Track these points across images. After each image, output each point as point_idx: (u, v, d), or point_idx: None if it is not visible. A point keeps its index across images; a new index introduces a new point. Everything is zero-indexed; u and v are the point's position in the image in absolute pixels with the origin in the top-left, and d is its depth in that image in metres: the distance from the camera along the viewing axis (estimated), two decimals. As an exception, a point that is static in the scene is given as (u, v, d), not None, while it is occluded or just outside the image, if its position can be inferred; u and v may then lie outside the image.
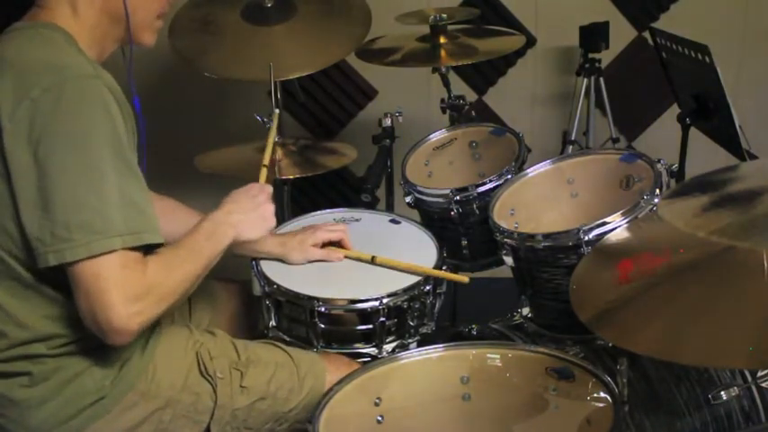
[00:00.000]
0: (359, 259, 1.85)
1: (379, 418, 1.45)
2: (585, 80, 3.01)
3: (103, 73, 1.44)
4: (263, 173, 1.78)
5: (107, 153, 1.37)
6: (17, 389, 1.47)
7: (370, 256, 1.82)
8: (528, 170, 2.01)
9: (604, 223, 1.68)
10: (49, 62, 1.40)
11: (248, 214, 1.63)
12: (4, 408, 1.48)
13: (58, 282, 1.40)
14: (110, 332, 1.37)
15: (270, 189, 1.70)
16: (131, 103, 1.51)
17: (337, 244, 1.87)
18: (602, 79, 3.02)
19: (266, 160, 1.81)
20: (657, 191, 1.73)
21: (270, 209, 1.67)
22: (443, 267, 1.82)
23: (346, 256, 1.86)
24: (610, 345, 1.67)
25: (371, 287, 1.72)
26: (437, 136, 2.31)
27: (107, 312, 1.35)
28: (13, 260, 1.42)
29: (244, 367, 1.64)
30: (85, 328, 1.41)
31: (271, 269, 1.81)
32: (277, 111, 1.96)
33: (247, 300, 1.94)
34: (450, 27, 2.50)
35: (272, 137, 1.92)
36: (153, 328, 1.59)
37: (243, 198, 1.65)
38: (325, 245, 1.85)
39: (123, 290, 1.35)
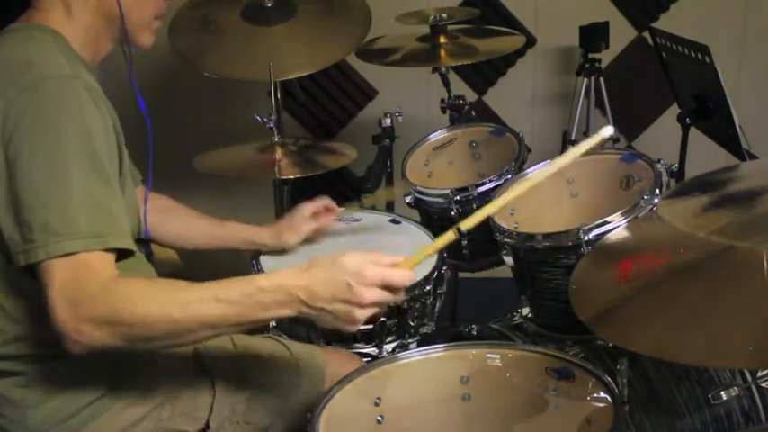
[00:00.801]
0: (350, 208, 1.95)
1: (379, 418, 1.45)
2: (585, 80, 3.01)
3: (84, 73, 1.41)
4: (420, 256, 1.38)
5: (76, 154, 1.32)
6: (15, 389, 1.46)
7: (358, 205, 1.93)
8: (528, 170, 2.01)
9: (604, 223, 1.68)
10: (28, 63, 1.38)
11: (336, 307, 1.28)
12: (3, 407, 1.48)
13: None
14: (64, 338, 1.29)
15: (406, 281, 1.32)
16: (134, 101, 1.50)
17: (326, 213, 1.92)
18: (602, 79, 3.02)
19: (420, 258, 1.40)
20: (657, 191, 1.73)
21: (363, 314, 1.30)
22: (444, 269, 1.82)
23: (338, 217, 1.93)
24: (610, 345, 1.67)
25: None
26: (437, 136, 2.31)
27: (53, 314, 1.28)
28: (2, 257, 1.41)
29: (242, 361, 1.64)
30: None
31: (271, 268, 1.81)
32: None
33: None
34: (450, 27, 2.50)
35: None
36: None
37: (342, 278, 1.27)
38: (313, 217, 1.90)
39: (71, 298, 1.27)
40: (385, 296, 1.29)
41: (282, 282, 1.29)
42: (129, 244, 1.37)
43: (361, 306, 1.28)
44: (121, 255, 1.37)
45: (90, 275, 1.29)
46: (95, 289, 1.29)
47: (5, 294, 1.44)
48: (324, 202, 1.93)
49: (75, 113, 1.34)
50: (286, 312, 1.28)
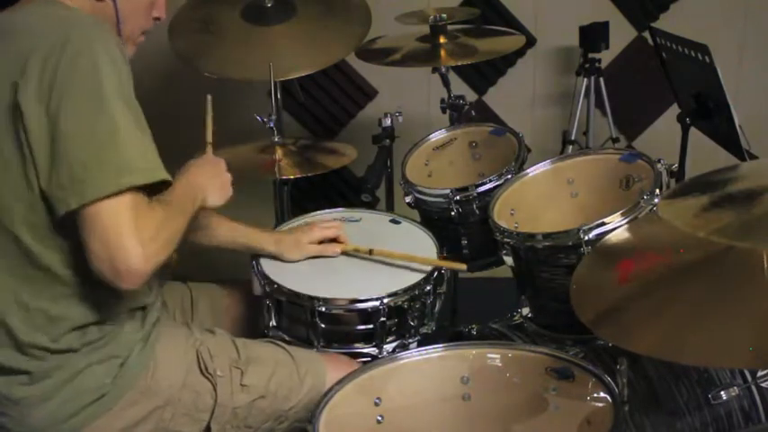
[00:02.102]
0: (356, 251, 1.86)
1: (379, 418, 1.45)
2: (585, 80, 3.01)
3: (109, 29, 1.48)
4: (209, 149, 1.77)
5: (115, 93, 1.38)
6: (17, 387, 1.47)
7: (368, 249, 1.84)
8: (528, 170, 2.01)
9: (604, 223, 1.68)
10: (54, 19, 1.43)
11: (212, 180, 1.64)
12: (4, 406, 1.48)
13: (67, 259, 1.42)
14: (127, 274, 1.37)
15: (224, 162, 1.71)
16: None
17: (333, 240, 1.88)
18: (602, 79, 3.02)
19: (210, 138, 1.81)
20: (657, 191, 1.73)
21: (228, 178, 1.69)
22: (444, 269, 1.82)
23: (344, 252, 1.87)
24: (610, 345, 1.67)
25: (372, 287, 1.72)
26: (437, 136, 2.31)
27: (126, 255, 1.35)
28: (27, 236, 1.42)
29: (244, 366, 1.64)
30: (87, 310, 1.42)
31: (271, 268, 1.81)
32: (209, 97, 1.93)
33: (248, 300, 1.94)
34: (450, 27, 2.50)
35: (210, 114, 1.89)
36: (153, 326, 1.59)
37: (206, 167, 1.66)
38: (321, 242, 1.86)
39: (139, 231, 1.37)
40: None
41: (185, 181, 1.58)
42: (167, 175, 1.46)
43: (222, 170, 1.67)
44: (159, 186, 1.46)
45: (144, 209, 1.40)
46: (152, 219, 1.41)
47: (15, 277, 1.44)
48: (334, 231, 1.89)
49: (107, 55, 1.39)
50: (199, 195, 1.59)
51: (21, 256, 1.44)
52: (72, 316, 1.47)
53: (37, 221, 1.41)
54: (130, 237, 1.35)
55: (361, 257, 1.87)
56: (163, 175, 1.44)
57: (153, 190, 1.45)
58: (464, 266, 1.82)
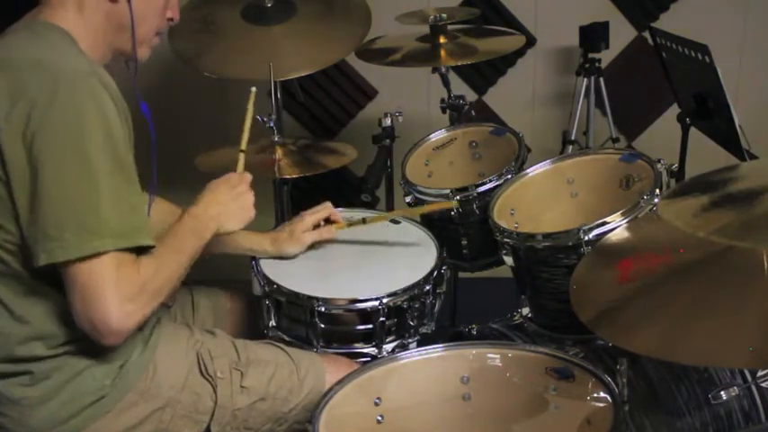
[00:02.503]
0: (351, 225, 1.90)
1: (379, 418, 1.45)
2: (585, 80, 3.01)
3: (99, 69, 1.44)
4: (242, 160, 1.72)
5: (101, 152, 1.36)
6: (17, 388, 1.47)
7: (361, 219, 1.89)
8: (528, 170, 2.01)
9: (604, 223, 1.68)
10: (43, 61, 1.39)
11: (228, 206, 1.60)
12: (4, 407, 1.48)
13: (57, 280, 1.40)
14: (105, 333, 1.38)
15: (249, 177, 1.67)
16: (136, 107, 1.51)
17: (328, 222, 1.90)
18: (602, 79, 3.02)
19: (243, 145, 1.75)
20: (657, 191, 1.73)
21: (250, 199, 1.64)
22: (443, 267, 1.82)
23: (338, 229, 1.90)
24: (610, 345, 1.67)
25: (371, 287, 1.72)
26: (437, 136, 2.31)
27: (103, 313, 1.35)
28: (12, 258, 1.42)
29: (244, 367, 1.64)
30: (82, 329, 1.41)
31: (270, 269, 1.81)
32: (254, 89, 1.84)
33: (248, 300, 1.94)
34: (450, 27, 2.50)
35: (249, 119, 1.80)
36: (153, 328, 1.59)
37: (221, 189, 1.62)
38: (315, 227, 1.88)
39: (118, 290, 1.36)
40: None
41: (192, 215, 1.56)
42: (151, 241, 1.44)
43: (244, 191, 1.63)
44: (143, 249, 1.43)
45: (127, 267, 1.38)
46: (134, 277, 1.38)
47: (12, 294, 1.44)
48: (325, 212, 1.90)
49: (95, 111, 1.37)
50: (211, 226, 1.57)
51: (11, 275, 1.44)
52: (66, 331, 1.47)
53: (23, 252, 1.40)
54: (109, 297, 1.35)
55: (358, 252, 1.89)
56: (143, 240, 1.41)
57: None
58: (451, 204, 1.88)
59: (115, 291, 1.36)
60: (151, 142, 1.55)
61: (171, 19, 1.63)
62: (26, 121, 1.34)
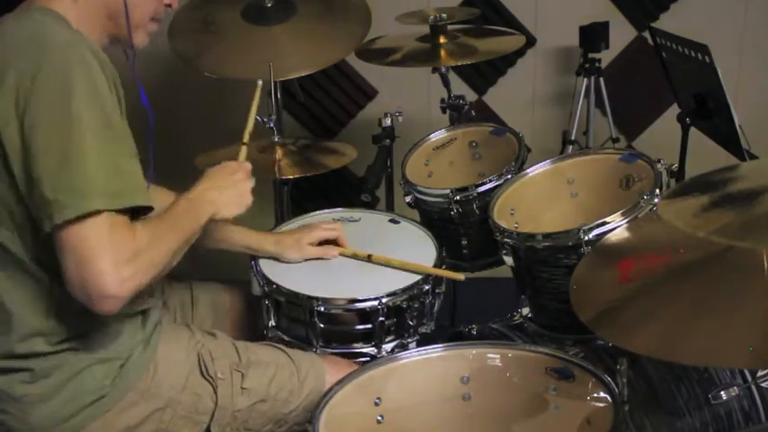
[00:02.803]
0: (354, 256, 1.85)
1: (379, 418, 1.45)
2: (585, 80, 3.01)
3: (86, 39, 1.43)
4: (243, 151, 1.72)
5: (88, 115, 1.35)
6: (18, 385, 1.47)
7: (366, 255, 1.83)
8: (528, 170, 2.01)
9: (604, 223, 1.68)
10: (32, 36, 1.40)
11: (225, 191, 1.59)
12: (4, 404, 1.48)
13: (58, 267, 1.40)
14: (100, 298, 1.34)
15: (248, 166, 1.66)
16: (136, 97, 1.51)
17: (334, 242, 1.87)
18: (602, 79, 3.02)
19: (246, 138, 1.75)
20: (657, 191, 1.73)
21: (247, 186, 1.63)
22: (443, 266, 1.82)
23: (342, 254, 1.86)
24: (610, 345, 1.67)
25: (371, 287, 1.72)
26: (437, 136, 2.31)
27: (98, 278, 1.32)
28: (14, 245, 1.42)
29: (244, 369, 1.64)
30: (86, 323, 1.41)
31: (270, 269, 1.81)
32: (260, 83, 1.85)
33: (247, 300, 1.94)
34: (450, 27, 2.50)
35: (254, 112, 1.81)
36: (154, 327, 1.59)
37: (219, 175, 1.61)
38: (321, 243, 1.86)
39: (114, 254, 1.33)
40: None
41: (188, 196, 1.55)
42: (146, 201, 1.41)
43: (242, 178, 1.61)
44: (137, 213, 1.41)
45: (121, 231, 1.36)
46: (129, 241, 1.36)
47: (12, 287, 1.44)
48: (335, 233, 1.88)
49: (83, 76, 1.36)
50: (208, 210, 1.55)
51: (14, 265, 1.44)
52: (67, 328, 1.47)
53: (25, 234, 1.41)
54: (103, 259, 1.32)
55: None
56: (138, 200, 1.39)
57: (145, 210, 1.43)
58: (461, 277, 1.81)
59: (109, 252, 1.33)
60: (149, 131, 1.55)
61: (169, 5, 1.62)
62: (16, 92, 1.35)
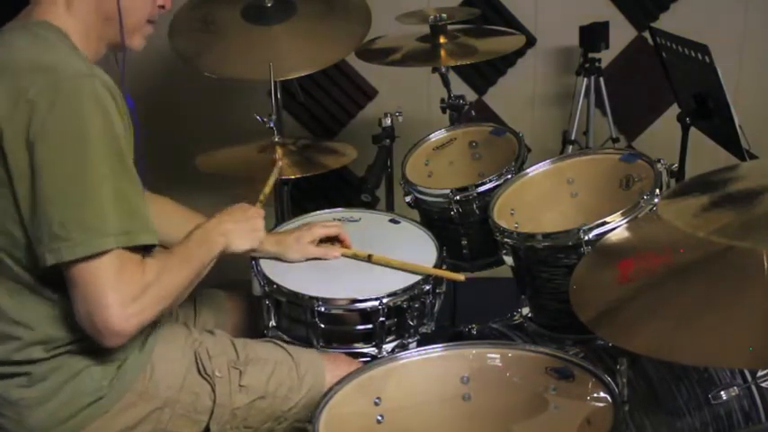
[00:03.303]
0: (355, 256, 1.85)
1: (379, 418, 1.45)
2: (585, 80, 3.01)
3: (98, 70, 1.44)
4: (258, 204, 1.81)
5: (103, 152, 1.37)
6: (15, 389, 1.47)
7: (367, 255, 1.83)
8: (528, 170, 2.01)
9: (604, 223, 1.68)
10: (42, 62, 1.39)
11: (239, 224, 1.64)
12: (2, 408, 1.48)
13: (58, 283, 1.40)
14: (106, 334, 1.38)
15: (263, 212, 1.73)
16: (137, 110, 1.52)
17: (335, 240, 1.87)
18: (602, 79, 3.02)
19: (262, 197, 1.85)
20: (657, 191, 1.73)
21: (261, 223, 1.69)
22: (443, 267, 1.82)
23: (343, 254, 1.86)
24: (610, 345, 1.67)
25: (371, 287, 1.72)
26: (437, 136, 2.31)
27: (104, 314, 1.35)
28: (14, 262, 1.42)
29: (243, 366, 1.64)
30: (84, 330, 1.41)
31: (270, 269, 1.81)
32: (279, 164, 2.05)
33: (248, 300, 1.94)
34: (450, 27, 2.50)
35: (274, 178, 1.96)
36: (152, 328, 1.59)
37: (235, 210, 1.68)
38: (322, 241, 1.86)
39: (120, 291, 1.36)
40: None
41: (203, 228, 1.59)
42: (154, 239, 1.44)
43: (256, 215, 1.68)
44: (145, 248, 1.43)
45: (130, 268, 1.39)
46: (137, 279, 1.39)
47: (10, 299, 1.44)
48: (336, 230, 1.88)
49: (96, 112, 1.37)
50: (221, 242, 1.59)
51: (12, 278, 1.44)
52: (66, 335, 1.47)
53: (26, 255, 1.41)
54: (110, 297, 1.35)
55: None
56: (146, 238, 1.42)
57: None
58: (461, 278, 1.81)
59: (117, 291, 1.36)
60: (135, 138, 1.55)
61: (162, 6, 1.61)
62: (27, 124, 1.35)
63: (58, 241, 1.34)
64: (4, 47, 1.44)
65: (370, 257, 1.82)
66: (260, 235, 1.69)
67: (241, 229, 1.64)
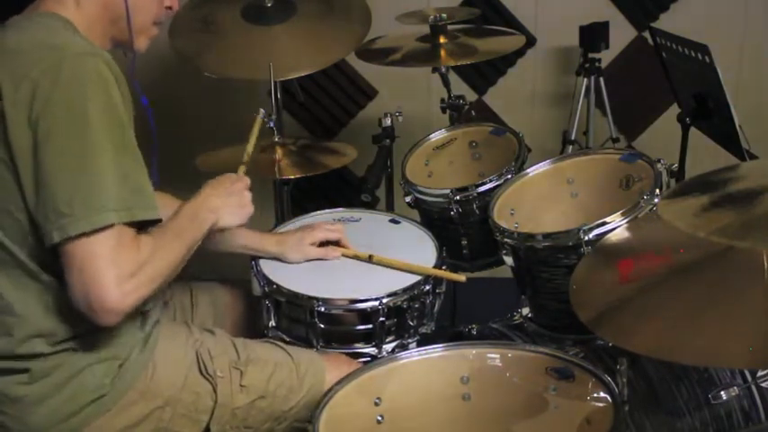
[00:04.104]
0: (356, 257, 1.85)
1: (379, 418, 1.45)
2: (585, 80, 3.01)
3: (101, 51, 1.44)
4: (242, 169, 1.76)
5: (104, 128, 1.37)
6: (16, 386, 1.47)
7: (368, 255, 1.83)
8: (528, 170, 2.01)
9: (604, 223, 1.68)
10: (46, 43, 1.41)
11: (227, 199, 1.62)
12: (3, 405, 1.48)
13: (61, 271, 1.40)
14: (101, 311, 1.37)
15: (248, 181, 1.69)
16: (135, 99, 1.52)
17: (335, 243, 1.87)
18: (602, 79, 3.02)
19: (246, 158, 1.79)
20: (657, 191, 1.73)
21: (248, 196, 1.66)
22: (443, 267, 1.82)
23: (344, 255, 1.86)
24: (610, 345, 1.67)
25: (371, 287, 1.72)
26: (437, 136, 2.31)
27: (101, 291, 1.35)
28: (18, 248, 1.42)
29: (243, 366, 1.64)
30: (85, 324, 1.41)
31: (270, 269, 1.81)
32: (261, 113, 1.90)
33: (248, 300, 1.94)
34: (450, 27, 2.50)
35: (255, 135, 1.86)
36: (153, 327, 1.59)
37: (221, 184, 1.64)
38: (322, 244, 1.86)
39: (117, 268, 1.36)
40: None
41: (191, 204, 1.58)
42: (156, 215, 1.44)
43: (242, 188, 1.64)
44: (141, 225, 1.43)
45: (127, 245, 1.38)
46: (133, 256, 1.39)
47: (13, 288, 1.45)
48: (338, 235, 1.88)
49: (99, 90, 1.38)
50: (210, 218, 1.58)
51: (16, 267, 1.44)
52: (67, 328, 1.47)
53: (28, 237, 1.41)
54: (107, 273, 1.35)
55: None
56: (149, 214, 1.42)
57: (152, 222, 1.45)
58: (462, 278, 1.81)
59: (113, 266, 1.36)
60: (152, 134, 1.56)
61: (170, 8, 1.63)
62: (30, 103, 1.35)
63: (62, 217, 1.34)
64: (10, 34, 1.46)
65: (371, 258, 1.82)
66: (248, 210, 1.65)
67: (229, 205, 1.62)
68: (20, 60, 1.39)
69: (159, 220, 1.46)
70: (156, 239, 1.45)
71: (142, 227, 1.44)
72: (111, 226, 1.36)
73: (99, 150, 1.36)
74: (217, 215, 1.59)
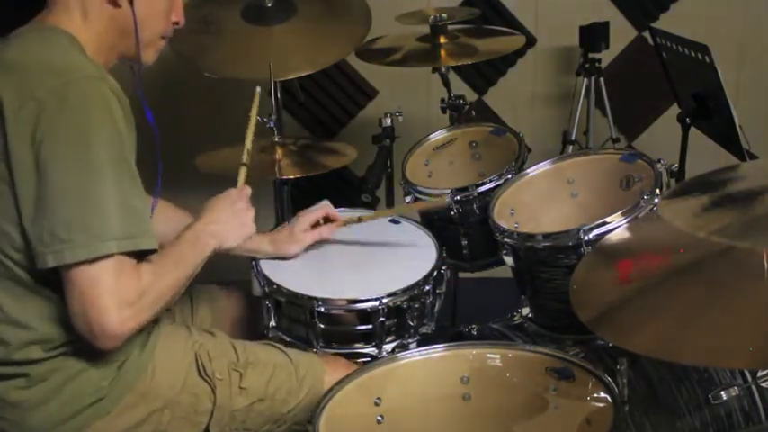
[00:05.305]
0: (349, 221, 1.90)
1: (379, 418, 1.45)
2: (585, 80, 3.01)
3: (107, 76, 1.45)
4: (242, 174, 1.73)
5: (108, 155, 1.37)
6: (15, 391, 1.46)
7: (357, 217, 1.89)
8: (528, 170, 2.01)
9: (604, 223, 1.68)
10: (52, 63, 1.40)
11: (227, 224, 1.61)
12: (3, 410, 1.48)
13: (57, 283, 1.40)
14: (101, 336, 1.38)
15: (248, 191, 1.68)
16: (140, 111, 1.52)
17: (325, 221, 1.89)
18: (602, 79, 3.02)
19: (245, 158, 1.75)
20: (657, 191, 1.73)
21: (249, 215, 1.65)
22: (443, 267, 1.82)
23: (336, 227, 1.89)
24: (610, 345, 1.67)
25: (371, 287, 1.72)
26: (437, 136, 2.31)
27: (100, 317, 1.35)
28: (12, 262, 1.42)
29: (243, 368, 1.64)
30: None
31: (270, 269, 1.81)
32: (258, 90, 1.85)
33: (248, 301, 1.94)
34: (450, 27, 2.50)
35: (253, 126, 1.80)
36: (152, 328, 1.59)
37: (221, 207, 1.63)
38: (313, 226, 1.87)
39: (118, 295, 1.36)
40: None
41: (193, 229, 1.57)
42: (155, 244, 1.44)
43: (243, 208, 1.63)
44: (142, 252, 1.43)
45: (128, 273, 1.38)
46: (134, 283, 1.39)
47: (9, 298, 1.44)
48: (323, 211, 1.89)
49: (104, 115, 1.38)
50: (211, 244, 1.57)
51: (10, 278, 1.44)
52: (64, 335, 1.46)
53: (22, 254, 1.41)
54: (108, 300, 1.35)
55: (358, 252, 1.89)
56: (146, 244, 1.42)
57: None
58: (445, 200, 1.91)
59: (114, 295, 1.36)
60: (156, 147, 1.56)
61: (176, 23, 1.62)
62: (35, 124, 1.35)
63: (60, 243, 1.34)
64: (14, 48, 1.45)
65: (360, 219, 1.88)
66: (250, 228, 1.64)
67: (230, 227, 1.61)
68: (25, 78, 1.39)
69: (155, 250, 1.45)
70: (156, 266, 1.45)
71: (141, 254, 1.43)
72: (112, 255, 1.36)
73: (101, 176, 1.36)
74: (218, 240, 1.59)
